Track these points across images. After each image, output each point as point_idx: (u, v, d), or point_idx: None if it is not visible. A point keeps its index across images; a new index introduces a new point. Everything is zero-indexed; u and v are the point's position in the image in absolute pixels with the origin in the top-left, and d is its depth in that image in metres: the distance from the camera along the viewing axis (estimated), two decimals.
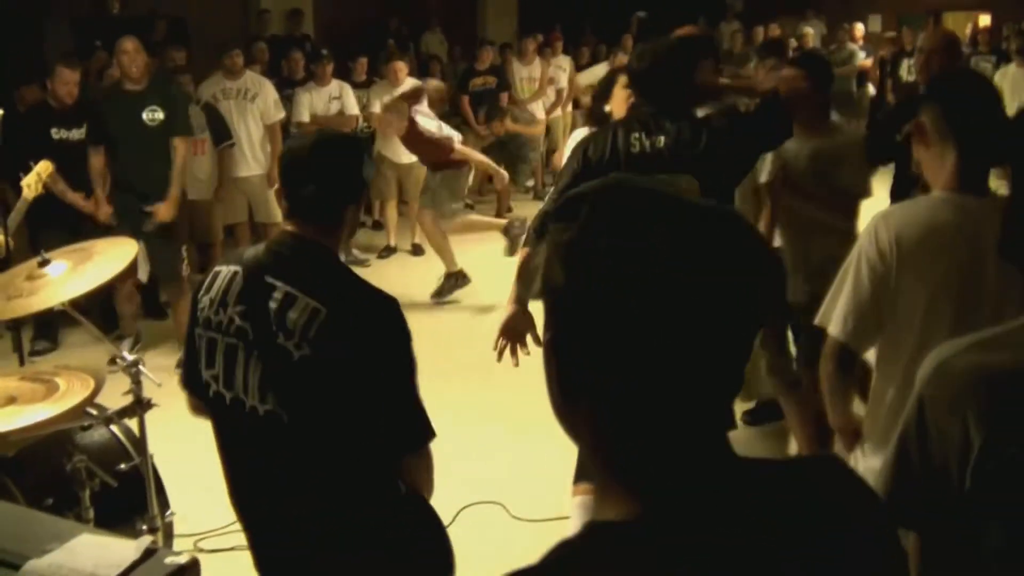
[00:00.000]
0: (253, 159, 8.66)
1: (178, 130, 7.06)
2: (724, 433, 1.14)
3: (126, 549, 2.35)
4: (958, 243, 2.71)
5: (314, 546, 2.61)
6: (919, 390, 1.83)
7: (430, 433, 2.58)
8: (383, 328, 2.53)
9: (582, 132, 4.93)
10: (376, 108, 9.76)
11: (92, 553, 2.33)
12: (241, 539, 3.80)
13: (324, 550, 2.60)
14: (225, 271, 2.62)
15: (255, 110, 8.66)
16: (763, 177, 4.78)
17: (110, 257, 3.92)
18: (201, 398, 2.70)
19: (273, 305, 2.49)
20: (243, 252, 2.69)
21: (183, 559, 2.36)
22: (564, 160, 4.72)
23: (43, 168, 5.08)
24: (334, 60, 9.80)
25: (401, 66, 9.96)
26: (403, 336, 2.55)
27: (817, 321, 2.91)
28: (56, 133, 7.14)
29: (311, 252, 2.60)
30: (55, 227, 6.83)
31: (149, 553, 2.35)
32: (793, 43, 14.25)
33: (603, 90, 4.83)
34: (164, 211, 6.91)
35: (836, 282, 2.89)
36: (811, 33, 14.70)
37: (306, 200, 2.60)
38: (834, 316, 2.85)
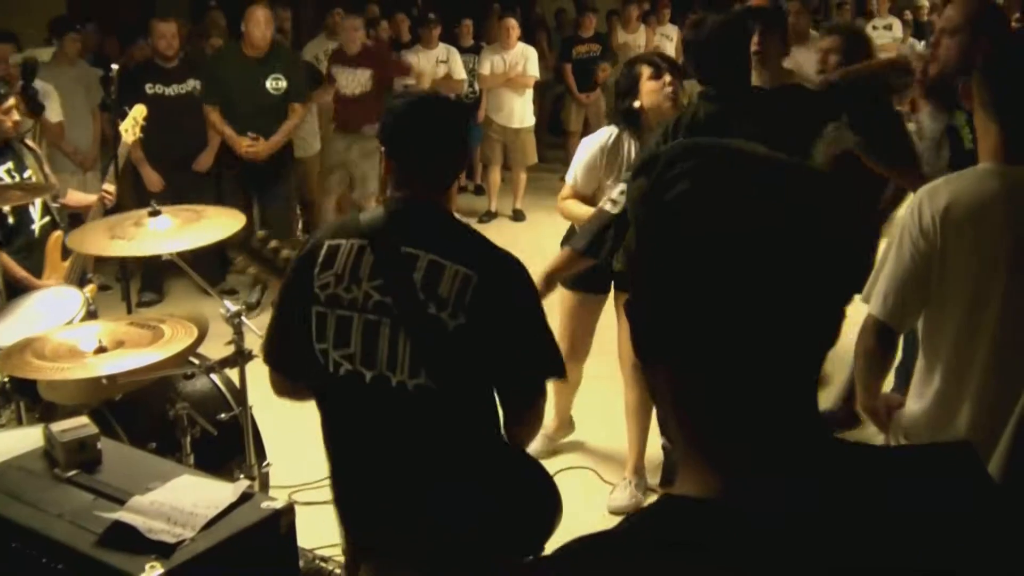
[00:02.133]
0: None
1: (296, 96, 7.36)
2: (815, 408, 1.06)
3: (224, 491, 2.42)
4: (1007, 215, 2.61)
5: (433, 521, 2.57)
6: None
7: (564, 366, 2.62)
8: (524, 285, 2.56)
9: (603, 134, 4.53)
10: (486, 70, 9.79)
11: (192, 492, 2.40)
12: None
13: (443, 523, 2.57)
14: (345, 244, 2.53)
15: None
16: None
17: (218, 223, 4.01)
18: (296, 379, 2.68)
19: (418, 275, 2.43)
20: (356, 223, 2.60)
21: (279, 504, 2.42)
22: (581, 162, 4.51)
23: (138, 112, 5.18)
24: (440, 25, 9.81)
25: (513, 24, 9.90)
26: (535, 289, 2.61)
27: (860, 298, 2.82)
28: (150, 88, 7.29)
29: (438, 217, 2.57)
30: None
31: (246, 496, 2.41)
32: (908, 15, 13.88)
33: (628, 84, 4.43)
34: (261, 146, 7.22)
35: (879, 259, 2.80)
36: (926, 5, 14.19)
37: (420, 164, 2.56)
38: (875, 293, 2.77)
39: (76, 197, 5.34)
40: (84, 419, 2.67)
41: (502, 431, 2.66)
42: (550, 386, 2.69)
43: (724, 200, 1.00)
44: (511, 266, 2.54)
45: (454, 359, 2.45)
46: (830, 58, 4.72)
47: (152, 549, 2.19)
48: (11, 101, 4.77)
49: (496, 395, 2.59)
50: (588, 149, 4.50)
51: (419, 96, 2.78)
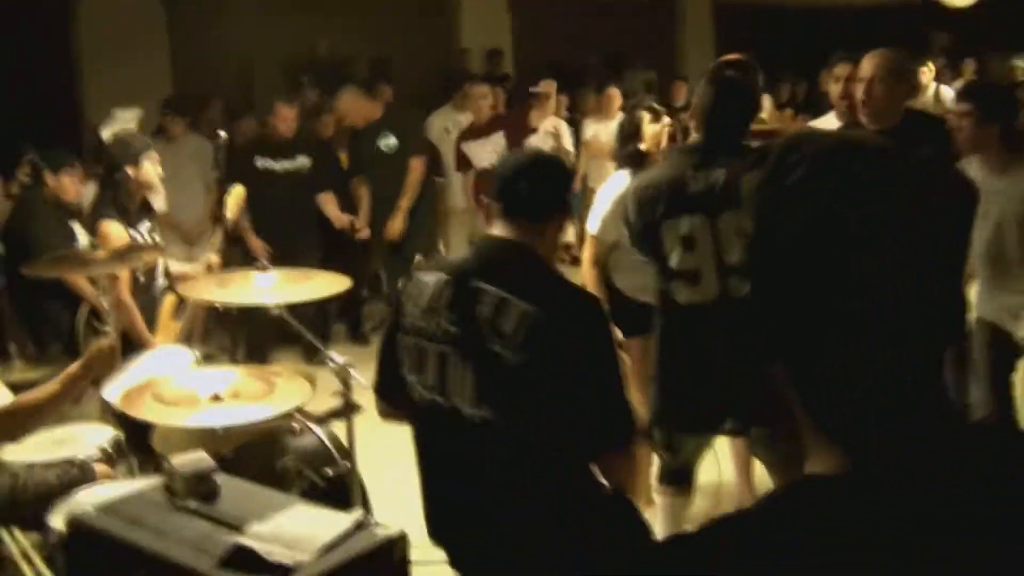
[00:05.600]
0: None
1: (412, 151, 7.56)
2: (940, 390, 1.08)
3: (340, 519, 2.45)
4: None
5: (516, 548, 2.60)
6: None
7: (635, 430, 2.58)
8: (593, 329, 2.54)
9: (622, 176, 4.65)
10: (589, 136, 9.80)
11: (308, 520, 2.44)
12: (440, 554, 3.86)
13: (526, 551, 2.59)
14: (432, 280, 2.64)
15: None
16: None
17: (323, 284, 4.19)
18: (395, 404, 2.77)
19: (485, 310, 2.50)
20: (448, 260, 2.77)
21: (393, 532, 2.44)
22: (605, 212, 4.60)
23: (237, 193, 5.31)
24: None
25: (615, 93, 9.88)
26: (610, 335, 2.57)
27: None
28: (260, 162, 7.49)
29: (521, 255, 2.63)
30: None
31: (362, 525, 2.44)
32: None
33: (631, 130, 4.70)
34: (392, 226, 7.47)
35: None
36: (1021, 67, 13.97)
37: (521, 197, 2.64)
38: None
39: (177, 268, 5.51)
40: (202, 453, 2.73)
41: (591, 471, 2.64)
42: None
43: (841, 184, 1.02)
44: (581, 307, 2.57)
45: (513, 395, 2.48)
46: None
47: (271, 571, 2.23)
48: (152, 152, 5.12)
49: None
50: (608, 199, 4.60)
51: (528, 150, 2.88)
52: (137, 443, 4.03)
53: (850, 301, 1.01)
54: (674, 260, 3.54)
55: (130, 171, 4.98)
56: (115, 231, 4.87)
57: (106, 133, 6.38)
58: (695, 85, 11.99)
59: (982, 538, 0.99)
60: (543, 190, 2.68)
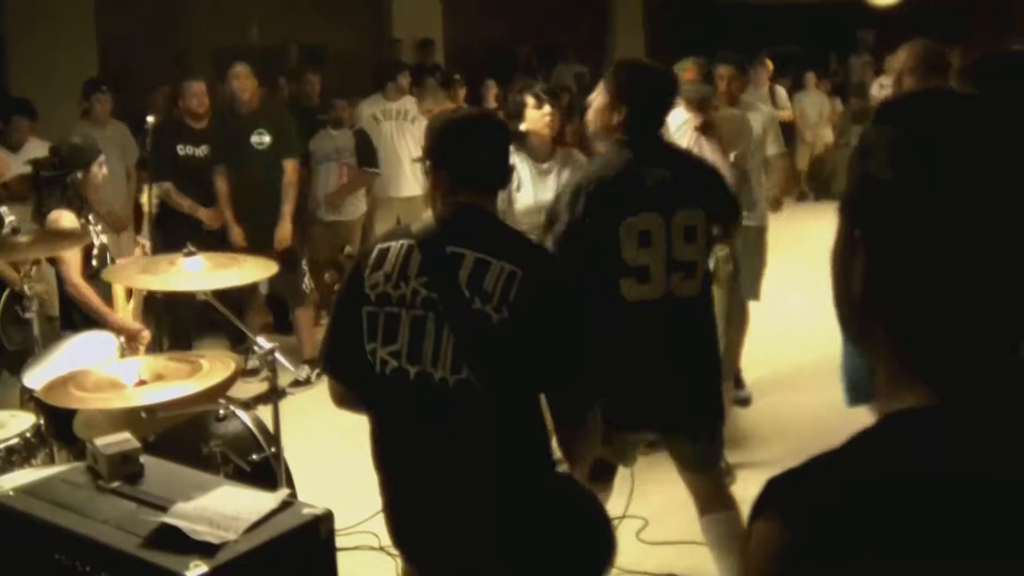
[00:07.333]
0: (414, 179, 8.48)
1: (286, 152, 7.17)
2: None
3: (265, 499, 2.46)
4: None
5: (472, 518, 2.58)
6: None
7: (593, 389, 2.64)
8: (567, 284, 2.63)
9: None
10: None
11: (234, 500, 2.44)
12: (365, 539, 3.79)
13: (483, 522, 2.57)
14: (395, 246, 2.61)
15: (416, 131, 8.49)
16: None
17: (250, 269, 4.14)
18: (353, 385, 2.69)
19: (464, 273, 2.50)
20: (407, 228, 2.70)
21: (318, 510, 2.44)
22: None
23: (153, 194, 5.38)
24: (466, 86, 9.95)
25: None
26: (580, 289, 2.70)
27: None
28: (182, 149, 7.28)
29: (485, 219, 2.66)
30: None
31: (287, 504, 2.45)
32: None
33: (515, 110, 5.01)
34: (280, 234, 7.07)
35: None
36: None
37: (479, 165, 2.66)
38: None
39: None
40: (126, 434, 2.72)
41: (552, 449, 2.65)
42: None
43: (979, 139, 1.07)
44: (553, 264, 2.69)
45: (496, 353, 2.48)
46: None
47: (196, 549, 2.22)
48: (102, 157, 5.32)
49: (545, 404, 2.61)
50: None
51: (464, 112, 2.88)
52: (58, 430, 3.97)
53: (966, 250, 1.05)
54: (628, 255, 3.53)
55: (80, 175, 5.14)
56: (67, 219, 4.98)
57: None
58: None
59: None
60: (497, 159, 2.71)
